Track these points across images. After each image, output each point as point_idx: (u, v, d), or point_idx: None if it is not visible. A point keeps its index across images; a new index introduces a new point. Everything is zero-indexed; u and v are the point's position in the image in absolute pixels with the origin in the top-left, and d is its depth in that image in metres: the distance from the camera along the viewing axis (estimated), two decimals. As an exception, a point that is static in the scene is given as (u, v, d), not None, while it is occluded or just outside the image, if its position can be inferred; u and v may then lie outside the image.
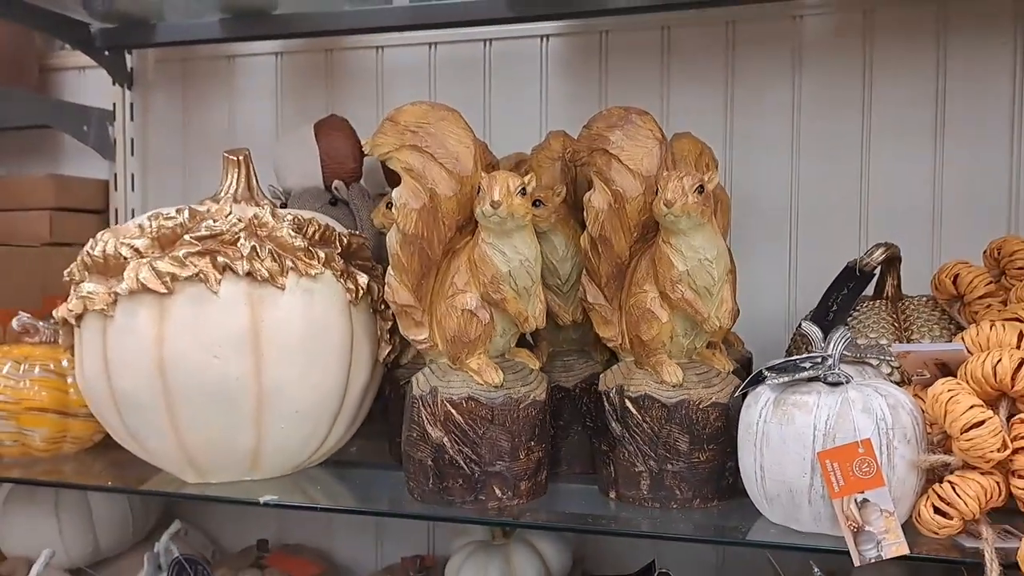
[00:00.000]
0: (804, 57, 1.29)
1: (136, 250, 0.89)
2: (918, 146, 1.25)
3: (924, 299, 1.06)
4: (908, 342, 1.01)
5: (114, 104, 1.64)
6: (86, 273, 0.92)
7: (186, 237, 0.90)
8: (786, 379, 0.78)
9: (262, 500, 0.91)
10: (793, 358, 0.81)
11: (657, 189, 0.85)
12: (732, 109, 1.33)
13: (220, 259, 0.89)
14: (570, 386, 0.99)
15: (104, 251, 0.91)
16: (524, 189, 0.86)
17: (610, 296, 0.94)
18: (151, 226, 0.91)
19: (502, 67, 1.45)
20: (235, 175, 1.01)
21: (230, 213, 0.94)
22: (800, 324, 0.96)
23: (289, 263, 0.92)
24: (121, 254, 0.90)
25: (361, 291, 0.97)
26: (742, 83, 1.32)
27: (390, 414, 1.08)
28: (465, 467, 0.87)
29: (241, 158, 1.02)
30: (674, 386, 0.86)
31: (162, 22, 1.50)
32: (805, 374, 0.78)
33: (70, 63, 1.72)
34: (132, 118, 1.64)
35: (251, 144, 1.57)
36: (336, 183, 1.30)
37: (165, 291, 0.88)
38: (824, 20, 1.29)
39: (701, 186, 0.83)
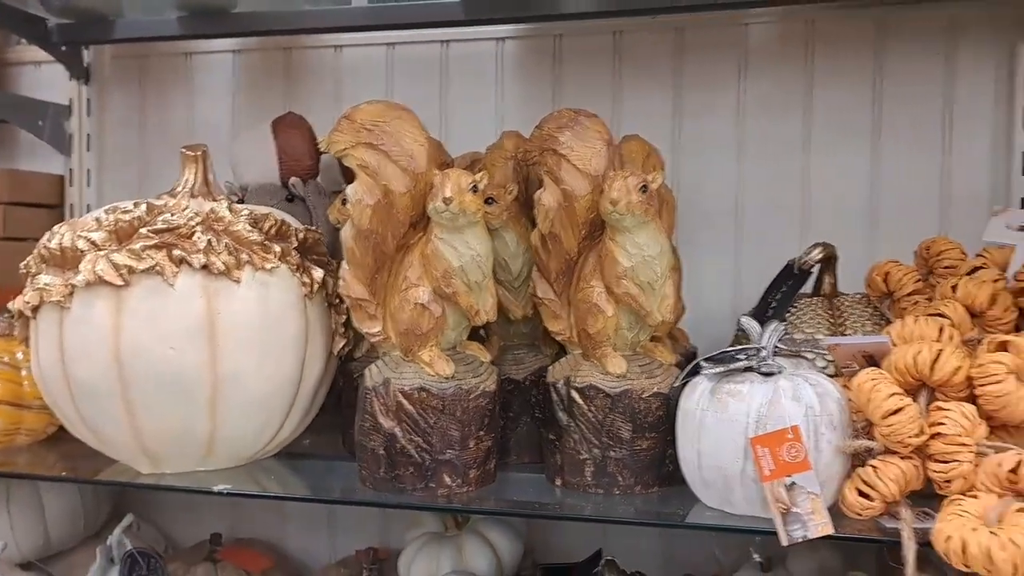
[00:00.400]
0: (750, 63, 1.34)
1: (93, 243, 0.91)
2: (856, 149, 1.30)
3: (858, 296, 1.11)
4: (843, 336, 1.06)
5: (70, 99, 1.64)
6: (43, 266, 0.93)
7: (143, 230, 0.91)
8: (721, 369, 0.82)
9: (216, 489, 0.93)
10: (728, 350, 0.85)
11: (604, 188, 0.89)
12: (680, 112, 1.37)
13: (176, 252, 0.91)
14: (520, 378, 1.03)
15: (61, 244, 0.92)
16: (476, 186, 0.89)
17: (559, 291, 0.97)
18: (108, 219, 0.92)
19: (459, 68, 1.48)
20: (193, 170, 1.03)
21: (187, 207, 0.95)
22: (740, 319, 1.00)
23: (245, 257, 0.94)
24: (78, 247, 0.91)
25: (316, 285, 1.00)
26: (690, 87, 1.37)
27: (344, 406, 1.10)
28: (416, 456, 0.90)
29: (199, 154, 1.03)
30: (618, 377, 0.90)
31: (120, 19, 1.51)
32: (739, 364, 0.82)
33: (26, 58, 1.72)
34: (89, 113, 1.64)
35: (208, 141, 1.58)
36: (293, 180, 1.32)
37: (122, 283, 0.89)
38: (769, 28, 1.34)
39: (645, 185, 0.87)
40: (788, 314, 1.11)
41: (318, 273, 1.01)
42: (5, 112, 1.57)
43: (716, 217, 1.36)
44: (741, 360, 0.83)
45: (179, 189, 1.02)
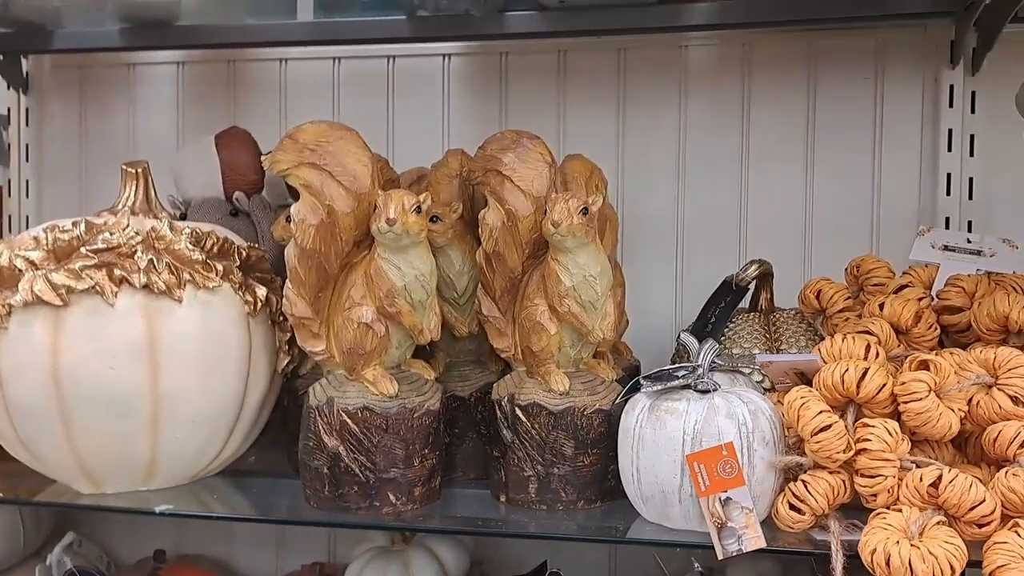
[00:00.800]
0: (690, 83, 1.37)
1: (31, 262, 0.90)
2: (791, 169, 1.34)
3: (793, 312, 1.14)
4: (777, 352, 1.09)
5: (8, 109, 1.61)
6: (-23, 284, 0.92)
7: (82, 250, 0.91)
8: (660, 387, 0.84)
9: (158, 510, 0.93)
10: (667, 367, 0.87)
11: (547, 209, 0.91)
12: (623, 130, 1.40)
13: (117, 272, 0.90)
14: (466, 395, 1.04)
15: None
16: (419, 207, 0.90)
17: (504, 309, 0.98)
18: (47, 238, 0.92)
19: (405, 84, 1.49)
20: (133, 187, 1.02)
21: (127, 226, 0.95)
22: (679, 335, 1.03)
23: (187, 276, 0.94)
24: (16, 266, 0.90)
25: (259, 303, 1.00)
26: (633, 106, 1.39)
27: (288, 424, 1.10)
28: (360, 474, 0.90)
29: (140, 170, 1.03)
30: (561, 394, 0.92)
31: (60, 29, 1.48)
32: (677, 382, 0.84)
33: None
34: (27, 124, 1.62)
35: (151, 154, 1.57)
36: (237, 194, 1.32)
37: (61, 303, 0.88)
38: (708, 50, 1.37)
39: (586, 208, 0.89)
40: (727, 329, 1.14)
41: (261, 291, 1.01)
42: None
43: (658, 233, 1.39)
44: (679, 377, 0.85)
45: (119, 206, 1.01)
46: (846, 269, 1.13)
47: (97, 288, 0.89)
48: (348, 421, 0.90)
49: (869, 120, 1.31)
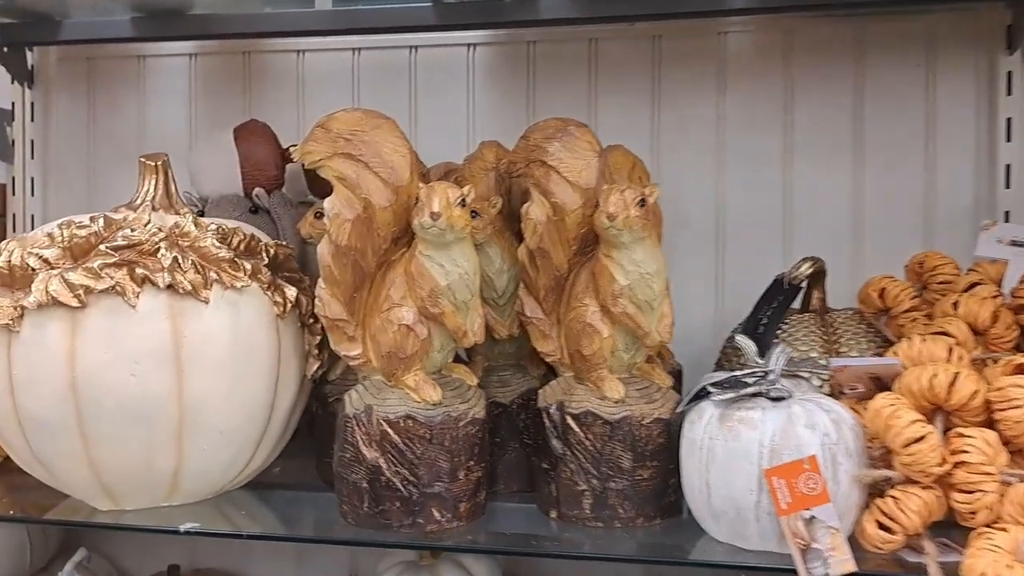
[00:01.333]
0: (729, 73, 1.31)
1: (46, 260, 0.83)
2: (838, 162, 1.28)
3: (850, 312, 1.08)
4: (837, 355, 1.03)
5: (13, 103, 1.54)
6: (-13, 285, 0.85)
7: (101, 247, 0.84)
8: (732, 395, 0.77)
9: (183, 528, 0.86)
10: (735, 373, 0.81)
11: (598, 202, 0.84)
12: (658, 123, 1.34)
13: (139, 271, 0.84)
14: (507, 402, 0.97)
15: (10, 261, 0.84)
16: (463, 200, 0.83)
17: (548, 310, 0.92)
18: (62, 235, 0.85)
19: (428, 75, 1.43)
20: (153, 181, 0.96)
21: (149, 222, 0.88)
22: (733, 337, 0.97)
23: (213, 275, 0.87)
24: (29, 265, 0.83)
25: (289, 304, 0.93)
26: (668, 97, 1.33)
27: (317, 432, 1.04)
28: (403, 489, 0.83)
29: (159, 163, 0.96)
30: (616, 402, 0.85)
31: (67, 19, 1.42)
32: (750, 389, 0.77)
33: (-38, 60, 1.61)
34: (33, 119, 1.55)
35: (162, 150, 1.51)
36: (257, 190, 1.25)
37: (78, 304, 0.82)
38: (747, 37, 1.31)
39: (643, 199, 0.83)
40: (779, 331, 1.08)
41: (291, 291, 0.94)
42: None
43: (697, 229, 1.32)
44: (750, 384, 0.79)
45: (139, 201, 0.94)
46: (906, 266, 1.07)
47: (118, 288, 0.82)
48: (389, 431, 0.83)
49: (920, 110, 1.25)
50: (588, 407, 0.85)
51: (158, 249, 0.86)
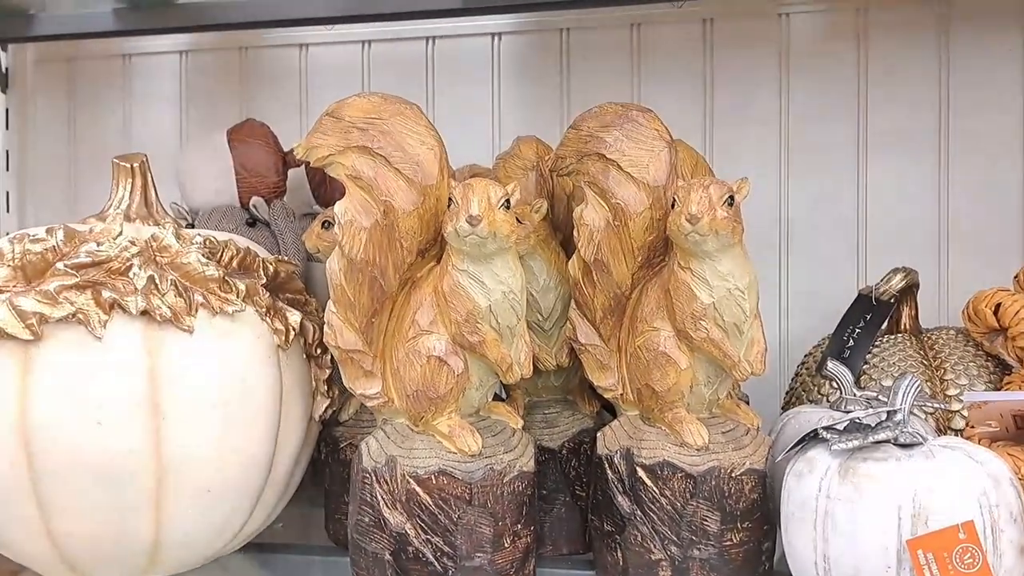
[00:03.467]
0: (792, 59, 1.15)
1: (-9, 283, 0.67)
2: (919, 160, 1.12)
3: (953, 332, 0.92)
4: (942, 382, 0.87)
5: (-15, 109, 1.39)
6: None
7: (59, 265, 0.68)
8: (857, 442, 0.61)
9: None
10: (852, 413, 0.65)
11: (674, 201, 0.68)
12: (711, 117, 1.18)
13: (106, 294, 0.67)
14: (555, 446, 0.81)
15: (-53, 284, 0.68)
16: (508, 201, 0.67)
17: (607, 335, 0.76)
18: (13, 251, 0.69)
19: (448, 69, 1.27)
20: (128, 186, 0.80)
21: (120, 234, 0.72)
22: (826, 363, 0.81)
23: (199, 298, 0.71)
24: (-30, 288, 0.67)
25: (292, 332, 0.77)
26: (723, 88, 1.17)
27: (326, 481, 0.88)
28: (435, 562, 0.67)
29: (136, 165, 0.81)
30: (699, 449, 0.69)
31: (43, 12, 1.27)
32: (880, 436, 0.61)
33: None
34: (7, 126, 1.40)
35: (152, 157, 1.35)
36: (254, 200, 1.10)
37: (30, 337, 0.65)
38: (814, 18, 1.15)
39: (731, 197, 0.66)
40: (869, 354, 0.92)
41: (294, 317, 0.78)
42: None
43: (756, 237, 1.14)
44: (874, 428, 0.62)
45: (110, 210, 0.79)
46: (1016, 276, 0.90)
47: (80, 316, 0.66)
48: (418, 490, 0.67)
49: (1017, 97, 1.09)
50: (664, 456, 0.68)
51: (130, 267, 0.69)
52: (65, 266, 0.67)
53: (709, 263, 0.67)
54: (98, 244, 0.70)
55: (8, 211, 1.40)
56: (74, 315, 0.66)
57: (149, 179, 0.82)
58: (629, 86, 1.21)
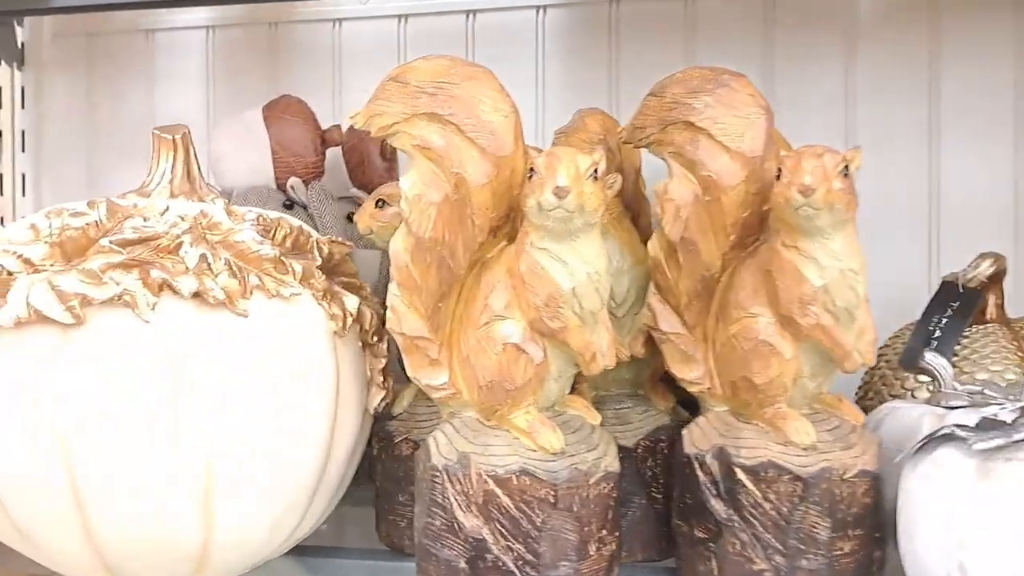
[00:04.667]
0: (859, 33, 1.09)
1: (27, 261, 0.61)
2: (996, 138, 1.05)
3: (1047, 321, 0.86)
4: (1040, 376, 0.81)
5: (0, 88, 1.33)
6: (-53, 296, 0.63)
7: (104, 241, 0.61)
8: (999, 441, 0.54)
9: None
10: (988, 408, 0.58)
11: (779, 172, 0.62)
12: (772, 97, 1.10)
13: (155, 274, 0.61)
14: (630, 445, 0.74)
15: (-23, 262, 0.62)
16: (595, 172, 0.61)
17: (692, 322, 0.70)
18: (50, 227, 0.63)
19: (489, 44, 1.21)
20: (170, 159, 0.73)
21: (167, 210, 0.66)
22: (921, 355, 0.75)
23: (254, 280, 0.64)
24: (4, 267, 0.61)
25: (349, 318, 0.71)
26: (784, 66, 1.11)
27: (378, 479, 0.82)
28: (516, 571, 0.61)
29: (177, 137, 0.74)
30: (805, 449, 0.62)
31: (62, -18, 1.20)
32: (1021, 436, 0.54)
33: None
34: (23, 105, 1.33)
35: (175, 137, 1.29)
36: (292, 181, 1.04)
37: (72, 321, 0.59)
38: (883, -10, 1.09)
39: (847, 167, 0.60)
40: (958, 345, 0.86)
41: (351, 302, 0.71)
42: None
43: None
44: (1010, 424, 0.56)
45: (152, 186, 0.72)
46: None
47: (126, 297, 0.60)
48: (497, 491, 0.61)
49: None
50: (768, 456, 0.62)
51: (180, 245, 0.63)
52: (111, 242, 0.61)
53: (820, 241, 0.61)
54: (144, 219, 0.64)
55: (24, 194, 1.33)
56: (120, 297, 0.60)
57: (192, 152, 0.75)
58: (682, 63, 1.13)
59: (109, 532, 0.62)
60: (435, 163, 0.64)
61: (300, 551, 0.77)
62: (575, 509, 0.61)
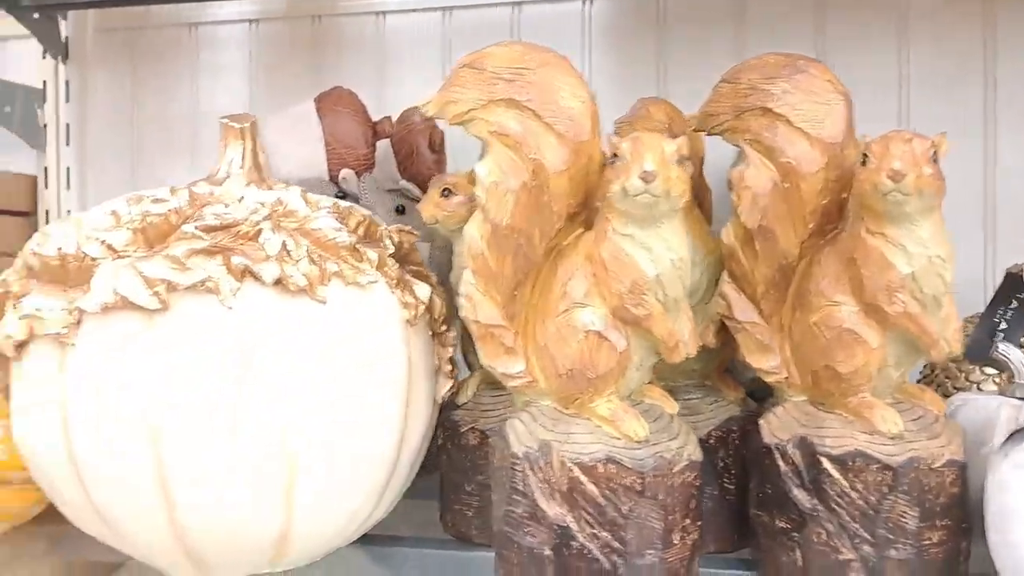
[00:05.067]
0: (911, 21, 1.08)
1: (110, 247, 0.61)
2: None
3: (1114, 314, 0.85)
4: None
5: (44, 82, 1.33)
6: (31, 282, 0.63)
7: (187, 228, 0.61)
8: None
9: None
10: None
11: (864, 158, 0.61)
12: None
13: (237, 260, 0.61)
14: (702, 435, 0.74)
15: (60, 250, 0.62)
16: (680, 156, 0.60)
17: (768, 311, 0.69)
18: (130, 213, 0.62)
19: (534, 37, 1.18)
20: (239, 149, 0.73)
21: (242, 197, 0.66)
22: (996, 346, 0.74)
23: (332, 267, 0.64)
24: (87, 253, 0.61)
25: (421, 307, 0.70)
26: (835, 56, 1.09)
27: (443, 468, 0.81)
28: (602, 559, 0.60)
29: (247, 126, 0.74)
30: (892, 438, 0.62)
31: (107, -24, 1.21)
32: None
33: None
34: (68, 99, 1.33)
35: (216, 133, 1.29)
36: (344, 172, 1.03)
37: (158, 307, 0.59)
38: (937, -22, 1.08)
39: (935, 153, 0.60)
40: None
41: (422, 290, 0.71)
42: (-34, 94, 1.25)
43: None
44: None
45: (221, 174, 0.72)
46: None
47: (209, 283, 0.60)
48: (582, 479, 0.60)
49: None
50: (855, 446, 0.61)
51: (259, 232, 0.63)
52: (196, 228, 0.60)
53: (908, 227, 0.60)
54: (225, 206, 0.63)
55: (68, 187, 1.33)
56: (203, 283, 0.60)
57: (259, 142, 0.75)
58: (731, 55, 1.13)
59: (192, 519, 0.62)
60: (513, 150, 0.64)
61: (367, 540, 0.77)
62: (660, 497, 0.60)
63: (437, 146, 1.09)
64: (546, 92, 0.64)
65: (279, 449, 0.61)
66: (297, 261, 0.62)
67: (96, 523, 0.65)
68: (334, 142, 1.04)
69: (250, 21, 1.30)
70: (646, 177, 0.58)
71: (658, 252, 0.61)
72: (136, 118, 1.34)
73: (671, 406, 0.67)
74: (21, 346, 0.63)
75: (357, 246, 0.67)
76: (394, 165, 1.12)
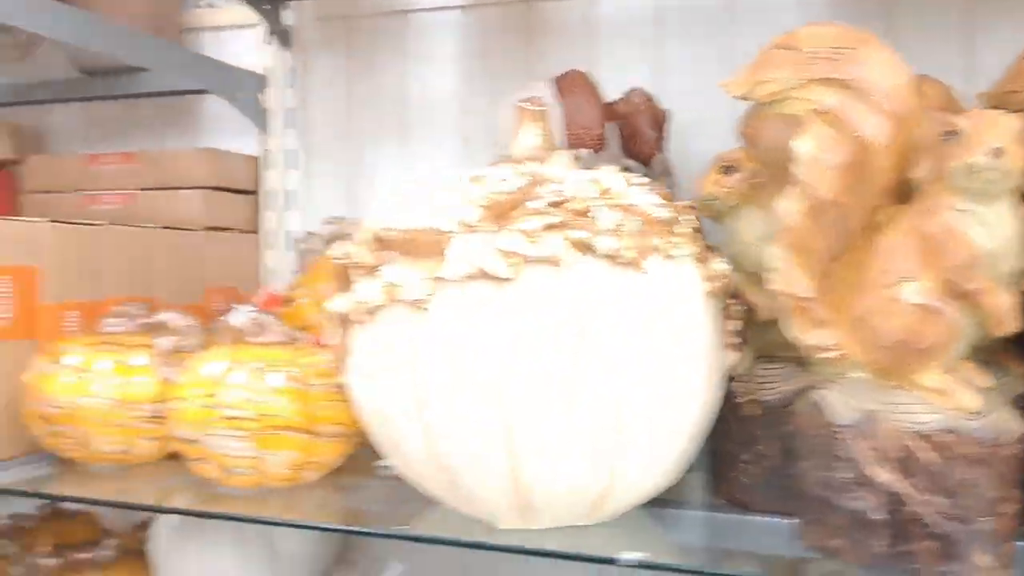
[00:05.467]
0: (977, 15, 1.05)
1: (463, 222, 0.65)
2: None
3: None
4: None
5: (268, 67, 1.41)
6: (382, 254, 0.68)
7: (531, 204, 0.65)
8: None
9: (624, 559, 0.67)
10: None
11: (947, 134, 0.62)
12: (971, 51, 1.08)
13: (575, 234, 0.65)
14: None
15: (413, 225, 0.67)
16: None
17: (827, 287, 0.69)
18: (477, 192, 0.67)
19: (752, 18, 1.21)
20: (533, 130, 0.77)
21: (566, 177, 0.70)
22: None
23: (654, 241, 0.68)
24: (441, 229, 0.66)
25: (720, 280, 0.73)
26: (902, 50, 1.07)
27: (718, 438, 0.84)
28: (937, 524, 0.62)
29: (541, 109, 0.78)
30: (973, 413, 0.63)
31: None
32: None
33: (206, 22, 1.50)
34: (291, 84, 1.41)
35: (430, 117, 1.34)
36: (580, 151, 1.06)
37: (509, 277, 0.63)
38: None
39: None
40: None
41: (720, 264, 0.74)
42: (207, 81, 1.34)
43: None
44: None
45: (519, 154, 0.76)
46: None
47: (552, 256, 0.64)
48: (920, 447, 0.62)
49: None
50: (943, 422, 0.62)
51: (589, 208, 0.67)
52: (546, 204, 0.64)
53: (992, 206, 0.61)
54: (560, 184, 0.67)
55: (293, 168, 1.41)
56: (550, 255, 0.64)
57: (550, 123, 0.79)
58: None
59: (532, 478, 0.66)
60: (834, 127, 0.66)
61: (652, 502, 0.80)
62: (995, 466, 0.62)
63: (659, 126, 1.12)
64: (867, 69, 0.65)
65: (613, 422, 0.65)
66: (627, 235, 0.66)
67: (434, 473, 0.70)
68: (572, 123, 1.07)
69: (462, 7, 1.34)
70: (997, 153, 0.59)
71: (995, 228, 0.62)
72: (350, 102, 1.41)
73: (984, 380, 0.68)
74: (372, 312, 0.68)
75: (673, 221, 0.70)
76: (619, 145, 1.15)
